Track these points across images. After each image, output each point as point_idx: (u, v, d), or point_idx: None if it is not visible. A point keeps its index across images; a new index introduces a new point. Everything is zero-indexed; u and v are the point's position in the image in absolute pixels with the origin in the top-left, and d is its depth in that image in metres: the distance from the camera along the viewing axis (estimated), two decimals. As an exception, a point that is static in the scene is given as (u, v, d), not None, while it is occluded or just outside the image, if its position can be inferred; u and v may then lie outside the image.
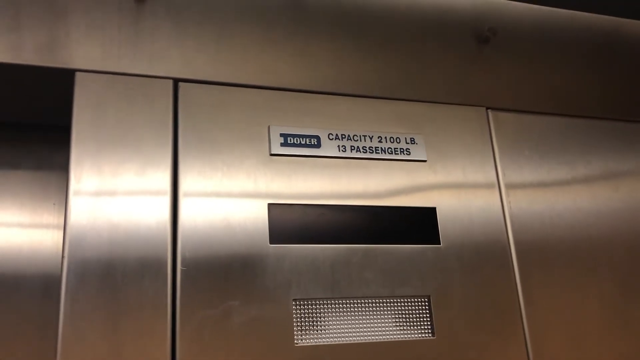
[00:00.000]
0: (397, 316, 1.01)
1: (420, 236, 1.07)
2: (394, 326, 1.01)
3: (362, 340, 0.98)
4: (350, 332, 0.98)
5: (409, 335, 1.01)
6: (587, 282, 1.17)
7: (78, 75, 0.97)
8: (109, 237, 0.90)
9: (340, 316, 0.98)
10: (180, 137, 0.99)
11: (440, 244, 1.08)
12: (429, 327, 1.02)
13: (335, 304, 0.99)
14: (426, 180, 1.12)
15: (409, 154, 1.12)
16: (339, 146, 1.08)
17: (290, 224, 1.00)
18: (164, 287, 0.90)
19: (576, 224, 1.20)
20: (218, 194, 0.98)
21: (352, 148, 1.09)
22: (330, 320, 0.98)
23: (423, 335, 1.02)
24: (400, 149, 1.12)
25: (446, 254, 1.08)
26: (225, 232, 0.96)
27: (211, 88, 1.05)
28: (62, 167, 1.15)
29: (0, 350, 1.07)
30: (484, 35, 1.28)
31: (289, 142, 1.05)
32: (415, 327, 1.02)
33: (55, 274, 1.10)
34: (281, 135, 1.05)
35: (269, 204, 1.00)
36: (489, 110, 1.23)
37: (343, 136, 1.09)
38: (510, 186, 1.18)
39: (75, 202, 0.91)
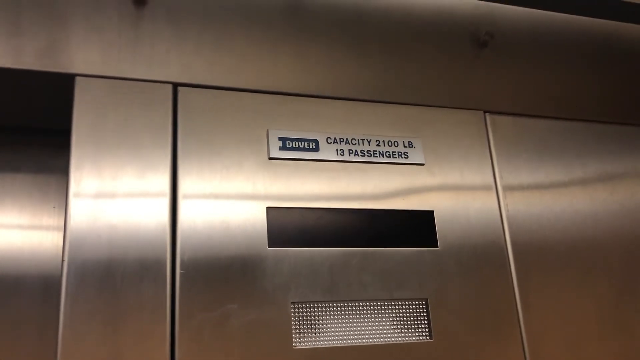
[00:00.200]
0: (395, 319, 1.02)
1: (418, 239, 1.08)
2: (392, 329, 1.01)
3: (360, 343, 0.99)
4: (349, 335, 0.99)
5: (406, 338, 1.01)
6: (584, 284, 1.17)
7: (78, 79, 0.98)
8: (108, 239, 0.91)
9: (338, 319, 0.99)
10: (179, 141, 1.00)
11: (437, 246, 1.09)
12: (427, 329, 1.03)
13: (333, 306, 0.99)
14: (424, 183, 1.13)
15: (407, 157, 1.13)
16: (337, 150, 1.09)
17: (289, 227, 1.01)
18: (163, 289, 0.91)
19: (573, 226, 1.21)
20: (217, 198, 0.99)
21: (350, 152, 1.10)
22: (328, 323, 0.98)
23: (421, 337, 1.02)
24: (398, 152, 1.13)
25: (444, 257, 1.08)
26: (224, 236, 0.97)
27: (210, 92, 1.05)
28: (62, 171, 1.16)
29: (0, 352, 1.07)
30: (481, 39, 1.28)
31: (287, 145, 1.06)
32: (413, 330, 1.02)
33: (55, 275, 1.11)
34: (280, 139, 1.06)
35: (268, 208, 1.01)
36: (486, 113, 1.24)
37: (341, 140, 1.10)
38: (508, 189, 1.19)
39: (75, 205, 0.91)
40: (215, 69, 1.07)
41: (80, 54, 1.00)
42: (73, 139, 0.95)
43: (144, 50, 1.04)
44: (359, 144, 1.11)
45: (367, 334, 1.00)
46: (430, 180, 1.13)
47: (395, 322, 1.02)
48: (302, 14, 1.18)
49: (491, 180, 1.18)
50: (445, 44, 1.27)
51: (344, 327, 0.99)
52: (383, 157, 1.11)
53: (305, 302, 0.98)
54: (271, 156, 1.04)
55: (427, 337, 1.02)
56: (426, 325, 1.03)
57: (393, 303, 1.03)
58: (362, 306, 1.01)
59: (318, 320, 0.98)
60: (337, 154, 1.09)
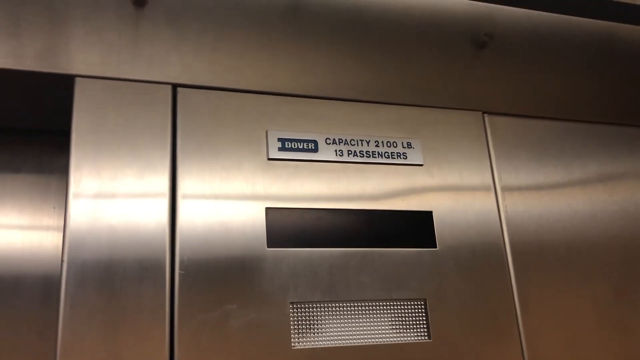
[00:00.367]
0: (393, 319, 1.02)
1: (416, 240, 1.08)
2: (391, 329, 1.01)
3: (358, 343, 0.99)
4: (347, 335, 0.99)
5: (405, 338, 1.02)
6: (583, 285, 1.18)
7: (78, 80, 0.98)
8: (108, 240, 0.91)
9: (337, 319, 0.99)
10: (179, 141, 1.00)
11: (436, 247, 1.09)
12: (425, 330, 1.03)
13: (332, 307, 0.99)
14: (423, 184, 1.13)
15: (406, 158, 1.13)
16: (336, 150, 1.09)
17: (288, 227, 1.01)
18: (162, 289, 0.91)
19: (572, 227, 1.21)
20: (216, 198, 0.99)
21: (349, 152, 1.10)
22: (327, 324, 0.98)
23: (419, 338, 1.02)
24: (397, 153, 1.13)
25: (442, 258, 1.09)
26: (223, 236, 0.97)
27: (209, 93, 1.06)
28: (62, 171, 1.16)
29: (0, 352, 1.07)
30: (480, 40, 1.29)
31: (286, 146, 1.06)
32: (411, 330, 1.03)
33: (55, 276, 1.11)
34: (279, 139, 1.06)
35: (267, 208, 1.01)
36: (485, 114, 1.24)
37: (340, 140, 1.10)
38: (507, 190, 1.19)
39: (74, 205, 0.92)
40: (215, 70, 1.08)
41: (80, 55, 1.00)
42: (73, 139, 0.95)
43: (143, 51, 1.04)
44: (358, 145, 1.11)
45: (366, 334, 1.00)
46: (429, 181, 1.13)
47: (394, 323, 1.02)
48: (302, 15, 1.18)
49: (490, 181, 1.18)
50: (444, 45, 1.27)
51: (342, 327, 0.99)
52: (382, 157, 1.12)
53: (304, 303, 0.98)
54: (270, 157, 1.04)
55: (426, 338, 1.03)
56: (425, 326, 1.03)
57: (392, 303, 1.03)
58: (361, 306, 1.01)
59: (317, 321, 0.98)
60: (336, 155, 1.09)
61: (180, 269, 0.93)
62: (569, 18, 1.41)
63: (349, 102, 1.15)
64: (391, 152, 1.13)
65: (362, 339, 0.99)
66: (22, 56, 0.97)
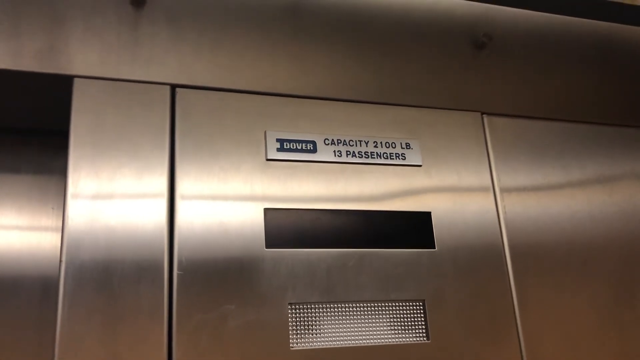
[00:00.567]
0: (392, 320, 1.02)
1: (415, 240, 1.08)
2: (389, 330, 1.01)
3: (357, 344, 0.99)
4: (346, 336, 0.99)
5: (403, 339, 1.02)
6: (582, 286, 1.18)
7: (76, 81, 0.98)
8: (106, 240, 0.91)
9: (335, 320, 0.99)
10: (177, 142, 1.00)
11: (435, 248, 1.09)
12: (424, 330, 1.03)
13: (330, 308, 0.99)
14: (421, 184, 1.13)
15: (405, 158, 1.13)
16: (334, 151, 1.09)
17: (286, 228, 1.01)
18: (160, 290, 0.91)
19: (571, 228, 1.21)
20: (215, 199, 0.99)
21: (348, 153, 1.10)
22: (325, 324, 0.98)
23: (418, 339, 1.02)
24: (396, 153, 1.13)
25: (441, 258, 1.09)
26: (221, 237, 0.97)
27: (208, 94, 1.06)
28: (60, 172, 1.16)
29: (-2, 353, 1.08)
30: (479, 40, 1.29)
31: (285, 147, 1.06)
32: (410, 331, 1.03)
33: (54, 276, 1.11)
34: (277, 140, 1.06)
35: (265, 209, 1.01)
36: (484, 115, 1.24)
37: (339, 141, 1.10)
38: (505, 190, 1.19)
39: (73, 206, 0.92)
40: (214, 71, 1.08)
41: (79, 56, 1.00)
42: (71, 140, 0.95)
43: (142, 51, 1.04)
44: (356, 145, 1.11)
45: (364, 335, 1.00)
46: (427, 182, 1.13)
47: (392, 323, 1.02)
48: (300, 16, 1.18)
49: (489, 182, 1.18)
50: (443, 45, 1.28)
51: (341, 328, 0.99)
52: (381, 158, 1.12)
53: (303, 303, 0.98)
54: (269, 157, 1.05)
55: (424, 338, 1.03)
56: (423, 327, 1.03)
57: (390, 304, 1.03)
58: (360, 307, 1.01)
59: (315, 321, 0.98)
60: (335, 155, 1.09)
61: (179, 269, 0.93)
62: (568, 19, 1.41)
63: (348, 103, 1.15)
64: (390, 153, 1.13)
65: (361, 339, 0.99)
66: (21, 56, 0.97)
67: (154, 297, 0.90)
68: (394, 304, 1.03)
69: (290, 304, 0.97)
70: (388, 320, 1.02)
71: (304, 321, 0.97)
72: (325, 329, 0.98)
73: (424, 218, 1.10)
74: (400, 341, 1.01)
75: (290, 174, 1.05)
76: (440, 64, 1.26)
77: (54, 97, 1.04)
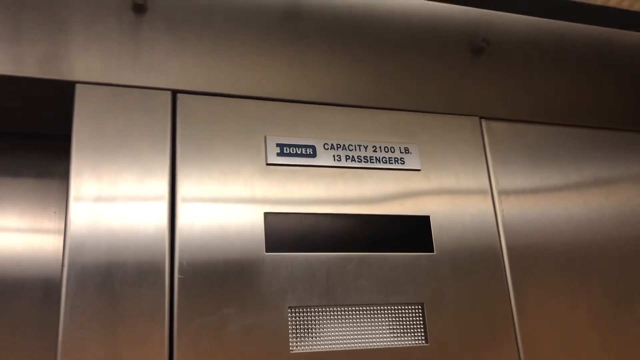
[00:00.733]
0: (391, 323, 1.03)
1: (414, 244, 1.09)
2: (388, 333, 1.02)
3: (356, 347, 1.00)
4: (345, 339, 1.00)
5: (402, 342, 1.02)
6: (579, 289, 1.18)
7: (78, 87, 0.99)
8: (108, 244, 0.92)
9: (335, 323, 1.00)
10: (178, 147, 1.01)
11: (434, 251, 1.10)
12: (423, 333, 1.04)
13: (330, 311, 1.00)
14: (420, 188, 1.14)
15: (403, 163, 1.14)
16: (334, 156, 1.10)
17: (286, 232, 1.02)
18: (161, 293, 0.92)
19: (568, 230, 1.22)
20: (215, 202, 1.00)
21: (347, 157, 1.11)
22: (325, 328, 0.99)
23: (417, 342, 1.03)
24: (395, 158, 1.14)
25: (440, 262, 1.09)
26: (222, 241, 0.98)
27: (209, 99, 1.07)
28: (62, 176, 1.17)
29: (1, 355, 1.08)
30: (477, 45, 1.30)
31: (285, 151, 1.07)
32: (409, 334, 1.03)
33: (56, 279, 1.12)
34: (277, 145, 1.07)
35: (265, 213, 1.02)
36: (482, 119, 1.25)
37: (338, 146, 1.11)
38: (503, 194, 1.20)
39: (75, 209, 0.92)
40: (214, 76, 1.09)
41: (81, 62, 1.01)
42: (73, 144, 0.96)
43: (143, 57, 1.05)
44: (355, 150, 1.12)
45: (363, 338, 1.01)
46: (426, 186, 1.14)
47: (391, 327, 1.03)
48: (300, 22, 1.19)
49: (487, 186, 1.19)
50: (441, 50, 1.28)
51: (340, 331, 1.00)
52: (380, 162, 1.13)
53: (303, 307, 0.99)
54: (269, 162, 1.05)
55: (423, 342, 1.03)
56: (422, 330, 1.04)
57: (389, 307, 1.04)
58: (359, 311, 1.02)
59: (315, 325, 0.99)
60: (334, 160, 1.10)
61: (180, 272, 0.94)
62: (565, 24, 1.42)
63: (347, 108, 1.16)
64: (389, 157, 1.14)
65: (360, 343, 1.00)
66: (24, 62, 0.98)
67: (155, 300, 0.91)
68: (393, 307, 1.04)
69: (290, 307, 0.98)
70: (387, 323, 1.03)
71: (303, 324, 0.98)
72: (325, 332, 0.99)
73: (423, 222, 1.11)
74: (400, 344, 1.02)
75: (290, 178, 1.06)
76: (438, 68, 1.27)
77: (56, 102, 1.05)
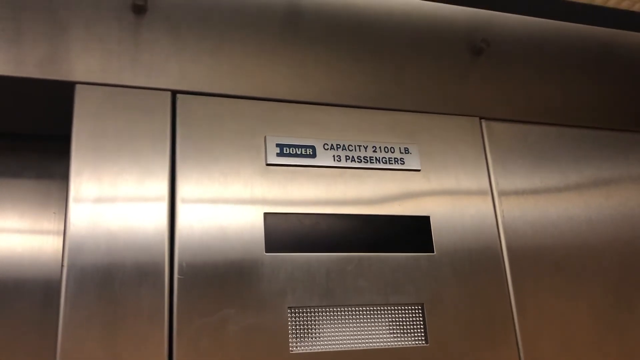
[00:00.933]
0: (391, 323, 1.03)
1: (414, 244, 1.09)
2: (388, 333, 1.02)
3: (356, 347, 1.00)
4: (345, 340, 1.00)
5: (402, 343, 1.02)
6: (579, 290, 1.18)
7: (78, 87, 1.00)
8: (107, 245, 0.92)
9: (335, 324, 1.00)
10: (178, 147, 1.01)
11: (434, 252, 1.10)
12: (423, 334, 1.04)
13: (330, 311, 1.00)
14: (420, 189, 1.14)
15: (403, 163, 1.14)
16: (334, 156, 1.10)
17: (286, 232, 1.02)
18: (161, 294, 0.92)
19: (569, 231, 1.22)
20: (215, 203, 1.00)
21: (347, 158, 1.11)
22: (325, 328, 0.99)
23: (417, 342, 1.03)
24: (395, 158, 1.14)
25: (440, 262, 1.09)
26: (221, 241, 0.98)
27: (208, 99, 1.07)
28: (62, 177, 1.17)
29: (1, 355, 1.08)
30: (477, 46, 1.30)
31: (284, 152, 1.07)
32: (409, 335, 1.03)
33: (55, 280, 1.12)
34: (277, 145, 1.07)
35: (265, 213, 1.02)
36: (482, 120, 1.25)
37: (338, 146, 1.11)
38: (503, 194, 1.20)
39: (74, 210, 0.92)
40: (214, 77, 1.09)
41: (81, 62, 1.01)
42: (73, 145, 0.96)
43: (143, 58, 1.05)
44: (355, 150, 1.12)
45: (363, 339, 1.00)
46: (426, 186, 1.14)
47: (391, 327, 1.03)
48: (300, 22, 1.19)
49: (487, 186, 1.19)
50: (441, 51, 1.29)
51: (340, 331, 1.00)
52: (379, 163, 1.13)
53: (302, 307, 0.99)
54: (269, 162, 1.05)
55: (423, 342, 1.03)
56: (422, 330, 1.04)
57: (389, 308, 1.04)
58: (359, 311, 1.02)
59: (315, 325, 0.99)
60: (334, 160, 1.10)
61: (179, 273, 0.94)
62: (565, 24, 1.42)
63: (347, 108, 1.16)
64: (389, 158, 1.14)
65: (360, 343, 1.00)
66: (24, 63, 0.98)
67: (155, 301, 0.91)
68: (393, 307, 1.04)
69: (290, 307, 0.98)
70: (387, 323, 1.03)
71: (303, 325, 0.98)
72: (325, 332, 0.99)
73: (423, 222, 1.11)
74: (400, 345, 1.02)
75: (289, 178, 1.06)
76: (438, 69, 1.27)
77: (56, 103, 1.05)
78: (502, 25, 1.36)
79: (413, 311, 1.05)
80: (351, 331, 1.00)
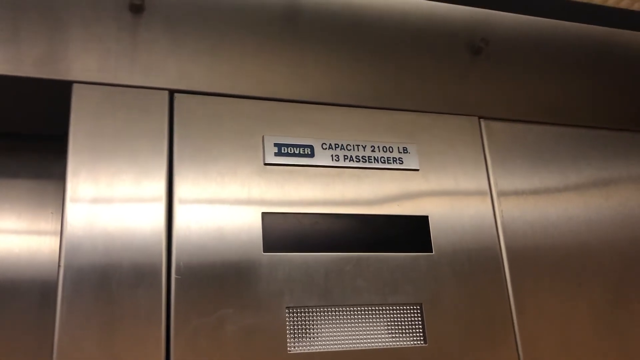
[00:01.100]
0: (389, 324, 1.02)
1: (412, 244, 1.09)
2: (387, 333, 1.02)
3: (354, 347, 0.99)
4: (343, 340, 0.99)
5: (401, 343, 1.02)
6: (578, 290, 1.18)
7: (75, 86, 0.99)
8: (104, 245, 0.92)
9: (333, 324, 0.99)
10: (175, 147, 1.01)
11: (432, 252, 1.09)
12: (421, 334, 1.03)
13: (328, 311, 1.00)
14: (419, 189, 1.13)
15: (402, 163, 1.14)
16: (332, 155, 1.10)
17: (284, 232, 1.02)
18: (158, 294, 0.92)
19: (567, 231, 1.21)
20: (212, 203, 0.99)
21: (346, 157, 1.11)
22: (323, 328, 0.99)
23: (415, 342, 1.03)
24: (393, 158, 1.14)
25: (438, 262, 1.09)
26: (219, 241, 0.97)
27: (206, 99, 1.06)
28: (59, 177, 1.16)
29: (-3, 357, 1.08)
30: (476, 45, 1.29)
31: (282, 151, 1.07)
32: (407, 335, 1.03)
33: (52, 280, 1.11)
34: (275, 144, 1.07)
35: (263, 213, 1.01)
36: (481, 119, 1.25)
37: (336, 146, 1.11)
38: (502, 194, 1.19)
39: (71, 211, 0.92)
40: (212, 76, 1.08)
41: (78, 62, 1.01)
42: (70, 145, 0.96)
43: (141, 57, 1.05)
44: (354, 150, 1.12)
45: (362, 339, 1.00)
46: (425, 186, 1.14)
47: (390, 327, 1.02)
48: (299, 22, 1.19)
49: (486, 186, 1.19)
50: (440, 50, 1.28)
51: (338, 332, 0.99)
52: (378, 162, 1.12)
53: (300, 307, 0.98)
54: (267, 162, 1.05)
55: (422, 342, 1.03)
56: (421, 330, 1.04)
57: (388, 308, 1.03)
58: (357, 311, 1.01)
59: (313, 325, 0.98)
60: (332, 160, 1.10)
61: (177, 273, 0.93)
62: (564, 24, 1.42)
63: (346, 108, 1.16)
64: (387, 157, 1.13)
65: (358, 343, 1.00)
66: (21, 62, 0.98)
67: (152, 301, 0.91)
68: (391, 307, 1.03)
69: (288, 307, 0.97)
70: (386, 323, 1.02)
71: (301, 325, 0.97)
72: (323, 332, 0.98)
73: (422, 222, 1.11)
74: (398, 345, 1.01)
75: (287, 178, 1.06)
76: (437, 68, 1.26)
77: (53, 102, 1.05)
78: (501, 24, 1.36)
79: (411, 311, 1.04)
80: (349, 331, 1.00)
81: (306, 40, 1.18)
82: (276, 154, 1.06)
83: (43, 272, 1.14)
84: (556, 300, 1.15)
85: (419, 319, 1.04)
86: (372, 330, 1.01)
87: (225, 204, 1.00)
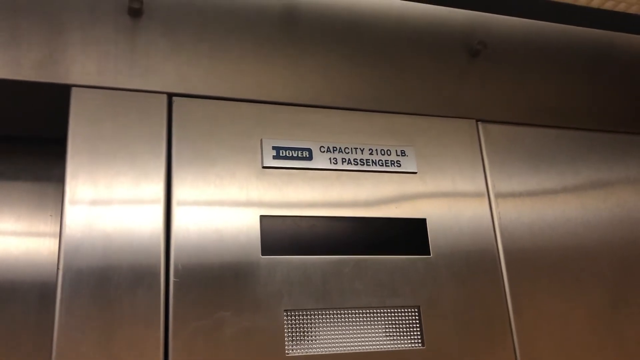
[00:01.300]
0: (387, 326, 1.03)
1: (410, 247, 1.09)
2: (384, 336, 1.02)
3: (352, 350, 0.99)
4: (341, 342, 0.99)
5: (399, 345, 1.02)
6: (576, 292, 1.18)
7: (74, 90, 1.00)
8: (103, 247, 0.92)
9: (331, 326, 1.00)
10: (174, 150, 1.01)
11: (430, 254, 1.10)
12: (419, 336, 1.04)
13: (326, 314, 1.00)
14: (416, 191, 1.14)
15: (400, 165, 1.14)
16: (330, 158, 1.10)
17: (282, 235, 1.02)
18: (157, 297, 0.92)
19: (565, 234, 1.22)
20: (211, 206, 1.00)
21: (344, 160, 1.11)
22: (321, 331, 0.99)
23: (413, 345, 1.03)
24: (391, 161, 1.14)
25: (436, 265, 1.09)
26: (217, 244, 0.98)
27: (205, 102, 1.07)
28: (58, 179, 1.17)
29: (-4, 359, 1.08)
30: (474, 48, 1.30)
31: (281, 154, 1.07)
32: (405, 337, 1.03)
33: (51, 282, 1.12)
34: (273, 148, 1.07)
35: (261, 216, 1.02)
36: (479, 122, 1.25)
37: (334, 149, 1.11)
38: (500, 197, 1.20)
39: (70, 213, 0.92)
40: (210, 79, 1.09)
41: (77, 65, 1.01)
42: (69, 148, 0.96)
43: (139, 61, 1.05)
44: (352, 153, 1.12)
45: (359, 342, 1.00)
46: (422, 189, 1.14)
47: (387, 330, 1.03)
48: (297, 25, 1.20)
49: (483, 188, 1.19)
50: (438, 53, 1.29)
51: (336, 334, 1.00)
52: (376, 165, 1.13)
53: (298, 310, 0.98)
54: (265, 165, 1.05)
55: (420, 344, 1.03)
56: (418, 333, 1.04)
57: (386, 310, 1.04)
58: (355, 314, 1.02)
59: (311, 328, 0.99)
60: (331, 163, 1.10)
61: (175, 276, 0.94)
62: (562, 27, 1.42)
63: (344, 111, 1.16)
64: (385, 160, 1.14)
65: (356, 346, 1.00)
66: (20, 66, 0.99)
67: (151, 304, 0.91)
68: (389, 310, 1.04)
69: (286, 310, 0.98)
70: (383, 326, 1.02)
71: (299, 328, 0.98)
72: (321, 335, 0.99)
73: (419, 224, 1.11)
74: (396, 347, 1.02)
75: (286, 181, 1.06)
76: (435, 71, 1.27)
77: (52, 105, 1.05)
78: (499, 27, 1.36)
79: (409, 314, 1.05)
80: (347, 334, 1.00)
81: (304, 44, 1.18)
82: (274, 157, 1.06)
83: (42, 274, 1.14)
84: (554, 302, 1.15)
85: (417, 321, 1.04)
86: (370, 332, 1.01)
87: (223, 206, 1.00)
